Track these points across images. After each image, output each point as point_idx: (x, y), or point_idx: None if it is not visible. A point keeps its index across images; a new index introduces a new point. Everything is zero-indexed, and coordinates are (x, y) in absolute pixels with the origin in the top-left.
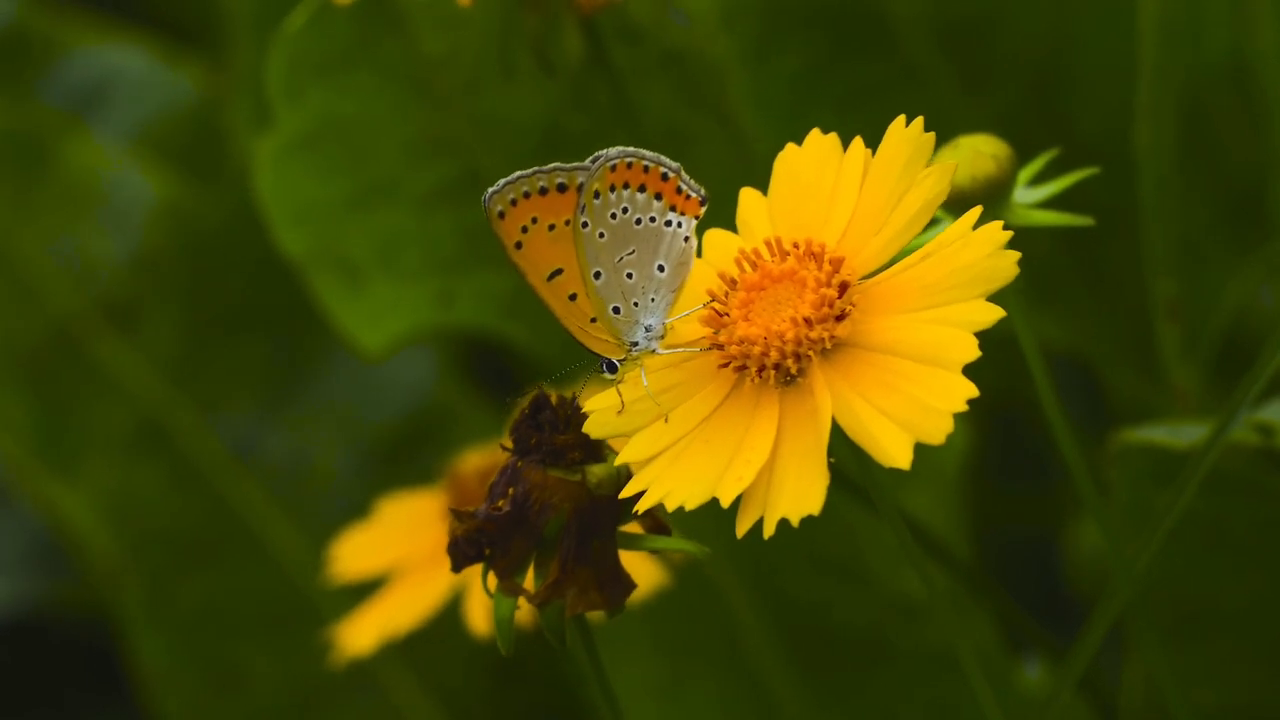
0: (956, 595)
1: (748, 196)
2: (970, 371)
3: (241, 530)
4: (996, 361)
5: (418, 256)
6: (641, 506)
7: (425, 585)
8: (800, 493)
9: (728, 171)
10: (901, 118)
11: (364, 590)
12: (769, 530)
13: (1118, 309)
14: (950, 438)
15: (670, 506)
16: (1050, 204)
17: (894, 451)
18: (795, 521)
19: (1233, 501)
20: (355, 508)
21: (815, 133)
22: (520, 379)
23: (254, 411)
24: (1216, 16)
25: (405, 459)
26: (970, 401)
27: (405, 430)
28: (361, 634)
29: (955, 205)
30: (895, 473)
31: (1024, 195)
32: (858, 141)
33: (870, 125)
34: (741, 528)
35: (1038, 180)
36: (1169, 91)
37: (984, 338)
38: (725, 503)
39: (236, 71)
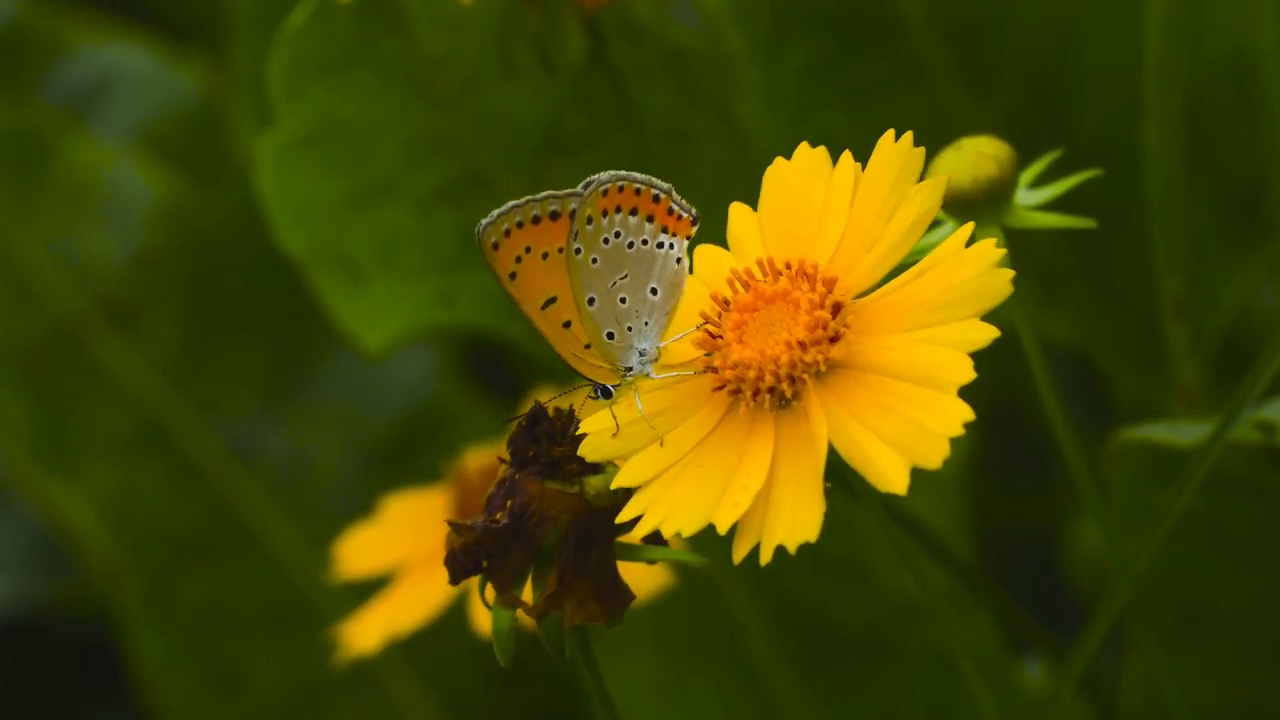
0: (956, 595)
1: (738, 212)
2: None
3: (241, 530)
4: (997, 360)
5: (418, 256)
6: (638, 533)
7: (429, 584)
8: (797, 519)
9: (729, 173)
10: (890, 132)
11: (365, 590)
12: (765, 558)
13: (1121, 308)
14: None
15: (667, 533)
16: (1053, 205)
17: (891, 476)
18: (792, 549)
19: (1233, 501)
20: (355, 507)
21: (804, 146)
22: (520, 379)
23: (254, 411)
24: (1218, 15)
25: (405, 458)
26: (970, 400)
27: (405, 430)
28: (365, 633)
29: (957, 207)
30: None
31: (1026, 196)
32: (846, 155)
33: (877, 123)
34: (738, 554)
35: (1041, 181)
36: (1175, 91)
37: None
38: (722, 529)
39: (237, 70)
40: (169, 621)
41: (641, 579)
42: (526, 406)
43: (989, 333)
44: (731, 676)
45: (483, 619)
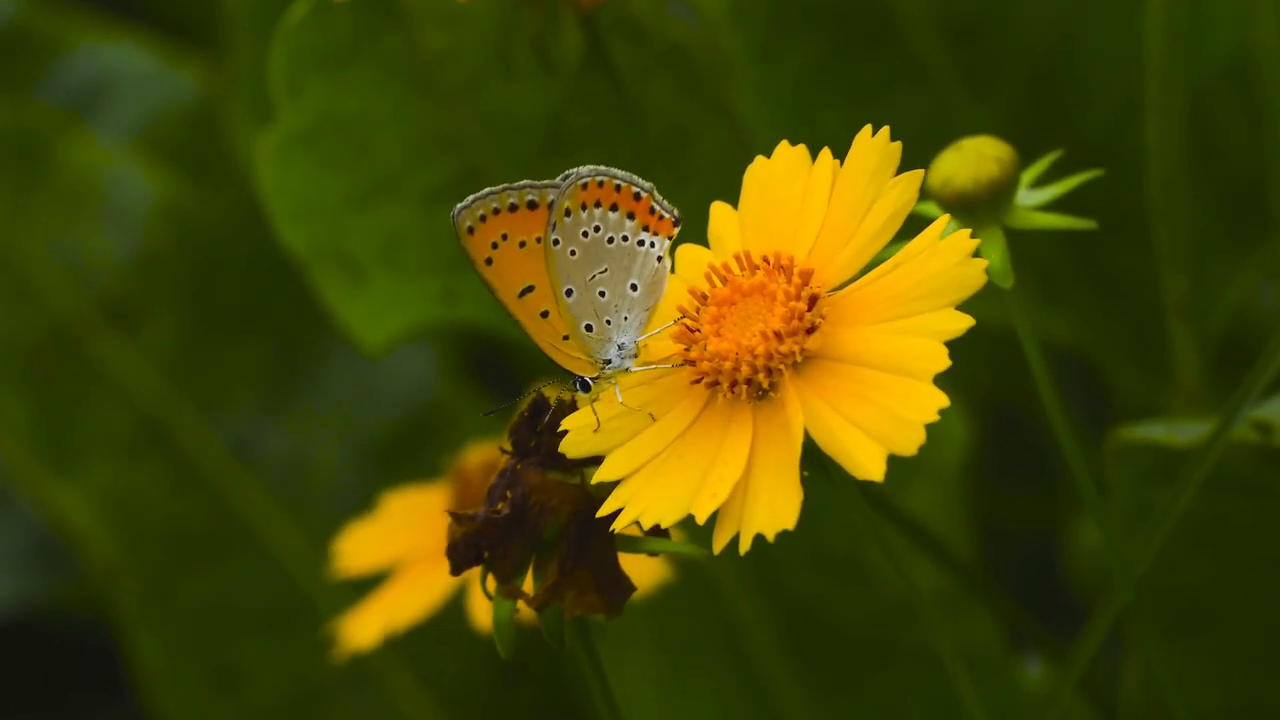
0: (956, 594)
1: (719, 210)
2: (969, 368)
3: (242, 529)
4: (997, 360)
5: (420, 253)
6: (618, 525)
7: (428, 580)
8: (775, 508)
9: (729, 170)
10: (868, 127)
11: (365, 587)
12: (744, 546)
13: (1121, 308)
14: (951, 436)
15: (646, 524)
16: (1054, 205)
17: (866, 463)
18: (770, 537)
19: (1232, 500)
20: (355, 506)
21: (784, 144)
22: (521, 378)
23: (254, 410)
24: (1219, 13)
25: (406, 458)
26: (970, 399)
27: (406, 429)
28: (364, 628)
29: (959, 208)
30: (894, 470)
31: (1027, 197)
32: (825, 153)
33: (877, 123)
34: (718, 544)
35: (1042, 181)
36: (1177, 89)
37: (985, 335)
38: (700, 519)
39: (236, 69)
40: (169, 621)
41: (639, 574)
42: (526, 399)
43: (963, 322)
44: (731, 674)
45: (481, 615)
